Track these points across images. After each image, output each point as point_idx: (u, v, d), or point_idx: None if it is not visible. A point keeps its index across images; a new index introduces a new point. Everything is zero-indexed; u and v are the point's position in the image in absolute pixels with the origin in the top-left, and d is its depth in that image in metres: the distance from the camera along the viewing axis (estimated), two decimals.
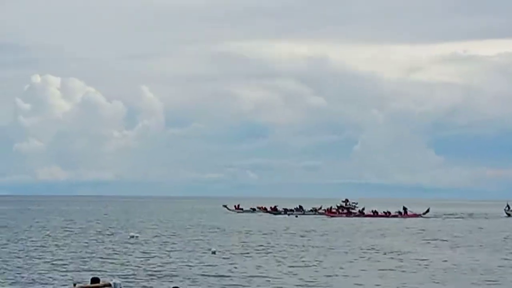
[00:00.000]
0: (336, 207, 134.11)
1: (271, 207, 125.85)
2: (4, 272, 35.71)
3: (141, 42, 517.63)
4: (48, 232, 67.52)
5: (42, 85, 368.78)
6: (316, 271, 37.52)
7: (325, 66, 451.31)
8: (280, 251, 48.88)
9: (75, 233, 66.73)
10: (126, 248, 50.88)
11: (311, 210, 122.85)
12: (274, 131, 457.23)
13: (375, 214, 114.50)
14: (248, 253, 47.74)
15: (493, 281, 34.70)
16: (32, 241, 56.60)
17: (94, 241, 56.84)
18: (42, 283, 31.47)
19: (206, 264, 40.35)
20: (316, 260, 43.04)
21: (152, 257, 43.99)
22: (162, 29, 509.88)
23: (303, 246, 53.93)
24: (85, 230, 72.51)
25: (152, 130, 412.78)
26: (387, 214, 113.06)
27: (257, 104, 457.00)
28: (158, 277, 34.07)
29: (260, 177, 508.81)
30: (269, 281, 33.49)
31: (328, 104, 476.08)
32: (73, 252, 47.31)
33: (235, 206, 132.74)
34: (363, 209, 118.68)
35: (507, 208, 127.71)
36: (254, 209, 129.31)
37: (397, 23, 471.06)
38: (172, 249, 49.97)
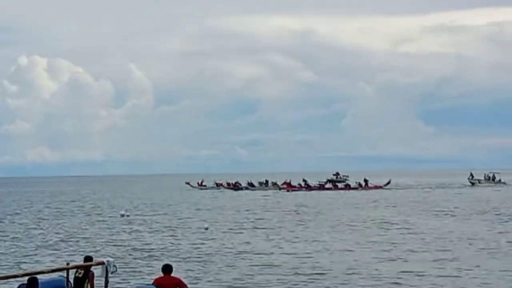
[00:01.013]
0: (328, 180, 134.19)
1: (232, 183, 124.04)
2: None
3: (129, 20, 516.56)
4: (38, 214, 67.25)
5: (29, 66, 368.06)
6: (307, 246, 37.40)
7: (314, 40, 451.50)
8: (270, 228, 48.64)
9: (65, 214, 66.45)
10: (117, 226, 50.66)
11: (273, 185, 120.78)
12: (265, 106, 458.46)
13: (335, 187, 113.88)
14: (241, 229, 47.56)
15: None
16: (21, 223, 56.25)
17: (85, 221, 56.59)
18: (32, 264, 31.12)
19: (199, 240, 40.17)
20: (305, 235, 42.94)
21: (143, 235, 43.80)
22: (150, 6, 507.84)
23: (294, 221, 53.82)
24: (75, 210, 72.25)
25: (142, 109, 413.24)
26: (347, 187, 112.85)
27: (248, 79, 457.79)
28: (150, 255, 33.84)
29: (253, 153, 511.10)
30: (260, 256, 33.26)
31: (317, 78, 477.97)
32: (64, 232, 47.05)
33: (198, 183, 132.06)
34: (327, 182, 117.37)
35: (470, 177, 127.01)
36: (218, 185, 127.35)
37: None
38: (164, 227, 49.78)
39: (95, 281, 16.65)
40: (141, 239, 41.42)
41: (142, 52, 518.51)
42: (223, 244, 37.91)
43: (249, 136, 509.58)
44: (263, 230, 45.79)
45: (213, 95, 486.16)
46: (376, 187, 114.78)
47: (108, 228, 49.41)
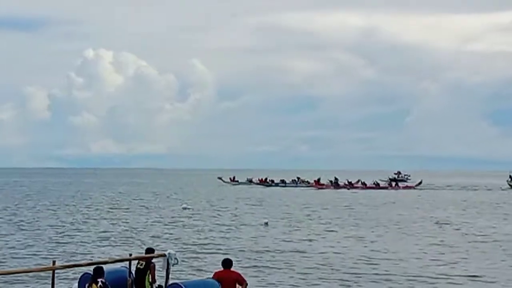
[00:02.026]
0: (389, 178, 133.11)
1: (262, 179, 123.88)
2: (55, 245, 36.18)
3: (193, 15, 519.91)
4: (100, 205, 68.50)
5: (95, 59, 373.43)
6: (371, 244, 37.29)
7: (377, 37, 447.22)
8: (329, 225, 48.59)
9: (127, 206, 67.47)
10: (179, 219, 51.25)
11: (303, 182, 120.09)
12: (327, 103, 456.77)
13: (364, 185, 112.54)
14: (300, 226, 47.62)
15: None
16: (83, 213, 57.35)
17: (147, 214, 57.35)
18: (94, 254, 31.75)
19: (259, 236, 40.41)
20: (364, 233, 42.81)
21: (203, 229, 44.21)
22: (214, 1, 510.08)
23: (348, 218, 53.61)
24: (137, 202, 73.27)
25: (204, 103, 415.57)
26: (377, 186, 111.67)
27: (309, 76, 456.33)
28: (210, 249, 34.17)
29: (313, 150, 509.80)
30: (318, 254, 33.31)
31: (380, 76, 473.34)
32: (126, 224, 47.83)
33: (230, 178, 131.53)
34: (358, 181, 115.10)
35: (509, 179, 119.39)
36: (250, 181, 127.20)
37: None
38: (223, 221, 50.17)
39: (156, 273, 17.01)
40: (201, 233, 41.84)
41: (205, 46, 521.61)
42: (283, 240, 37.97)
43: (309, 132, 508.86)
44: (322, 227, 45.76)
45: (275, 91, 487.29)
46: (407, 187, 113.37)
47: (170, 221, 50.01)
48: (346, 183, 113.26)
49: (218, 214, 56.16)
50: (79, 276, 17.27)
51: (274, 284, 25.29)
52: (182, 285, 15.65)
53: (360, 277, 26.69)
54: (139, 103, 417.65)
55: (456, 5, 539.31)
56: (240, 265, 27.82)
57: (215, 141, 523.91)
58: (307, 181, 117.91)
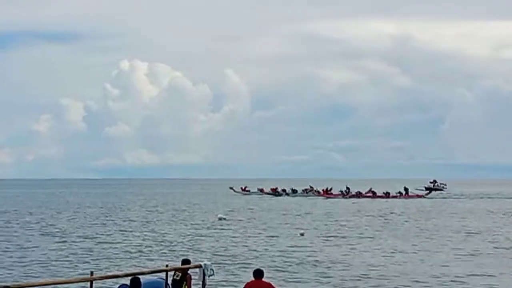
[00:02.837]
0: (425, 187, 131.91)
1: (272, 189, 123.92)
2: (92, 256, 36.48)
3: (226, 25, 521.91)
4: (135, 215, 68.95)
5: (130, 70, 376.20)
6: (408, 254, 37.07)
7: (411, 45, 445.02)
8: (362, 236, 48.37)
9: (164, 216, 67.79)
10: (215, 230, 51.36)
11: (309, 192, 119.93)
12: (360, 112, 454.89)
13: (374, 195, 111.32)
14: (335, 237, 47.44)
15: None
16: (119, 224, 57.75)
17: (183, 224, 57.55)
18: (131, 265, 31.96)
19: (295, 246, 40.36)
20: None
21: (239, 239, 44.25)
22: (246, 11, 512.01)
23: (385, 229, 53.31)
24: (174, 213, 73.59)
25: (238, 113, 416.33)
26: (386, 195, 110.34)
27: (343, 85, 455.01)
28: (245, 259, 34.19)
29: (347, 159, 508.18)
30: (353, 266, 33.18)
31: (414, 83, 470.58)
32: (163, 235, 48.05)
33: (241, 188, 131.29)
34: (370, 190, 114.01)
35: None
36: (261, 190, 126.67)
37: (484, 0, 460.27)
38: (258, 231, 50.16)
39: (192, 284, 17.11)
40: (237, 243, 41.87)
41: (238, 56, 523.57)
42: (319, 251, 37.79)
43: (343, 141, 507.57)
44: (357, 238, 45.57)
45: (308, 100, 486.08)
46: (418, 196, 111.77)
47: (206, 231, 50.13)
48: (354, 193, 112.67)
49: (254, 225, 56.14)
50: (116, 286, 17.42)
51: None
52: None
53: None
54: (174, 113, 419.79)
55: (490, 12, 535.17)
56: (276, 276, 27.85)
57: (249, 151, 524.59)
58: (317, 191, 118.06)
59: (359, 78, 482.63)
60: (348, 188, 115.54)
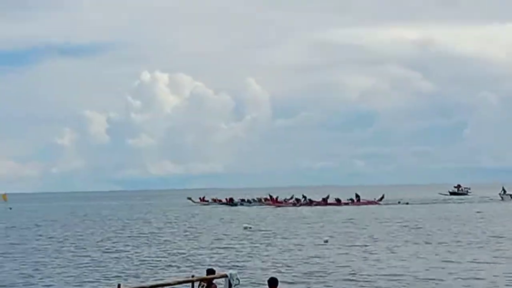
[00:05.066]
0: (449, 192, 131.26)
1: (226, 199, 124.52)
2: (119, 268, 36.79)
3: (246, 34, 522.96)
4: (160, 226, 69.34)
5: (151, 81, 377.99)
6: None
7: (432, 50, 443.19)
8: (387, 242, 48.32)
9: (189, 226, 68.08)
10: (240, 239, 51.50)
11: (256, 200, 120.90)
12: (382, 118, 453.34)
13: (325, 202, 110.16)
14: (359, 244, 47.45)
15: None
16: (145, 234, 58.09)
17: (209, 234, 57.74)
18: (157, 276, 32.17)
19: (322, 253, 40.46)
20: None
21: (265, 248, 44.37)
22: (267, 19, 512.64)
23: (392, 234, 53.16)
24: (198, 222, 73.86)
25: (260, 121, 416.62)
26: (338, 202, 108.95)
27: (364, 91, 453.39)
28: (272, 268, 34.29)
29: (370, 165, 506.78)
30: (377, 275, 33.21)
31: (436, 88, 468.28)
32: (187, 244, 48.31)
33: (200, 198, 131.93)
34: (328, 197, 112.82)
35: (502, 192, 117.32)
36: (214, 200, 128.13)
37: (505, 2, 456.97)
38: (285, 240, 50.25)
39: None
40: (263, 252, 42.01)
41: (259, 65, 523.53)
42: (343, 259, 37.82)
43: (366, 148, 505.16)
44: (382, 245, 45.54)
45: (330, 107, 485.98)
46: (369, 202, 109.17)
47: (231, 241, 50.30)
48: (309, 200, 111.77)
49: (279, 233, 56.20)
50: None
51: None
52: None
53: None
54: (196, 123, 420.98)
55: None
56: (301, 284, 28.01)
57: (271, 159, 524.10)
58: (267, 199, 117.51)
59: (380, 84, 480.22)
60: (304, 196, 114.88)
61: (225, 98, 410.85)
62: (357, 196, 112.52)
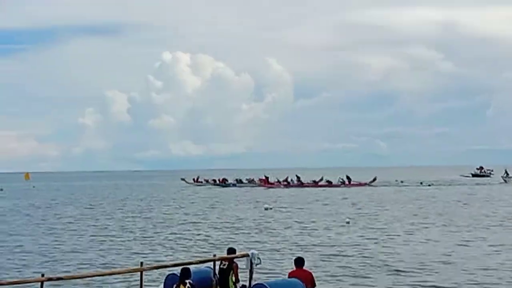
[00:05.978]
0: (471, 174, 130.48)
1: (219, 179, 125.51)
2: (140, 247, 37.06)
3: (267, 14, 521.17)
4: (181, 205, 69.68)
5: (172, 62, 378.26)
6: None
7: (455, 30, 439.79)
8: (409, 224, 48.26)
9: (210, 206, 68.33)
10: (260, 219, 51.66)
11: (248, 181, 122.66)
12: (404, 99, 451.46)
13: (316, 184, 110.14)
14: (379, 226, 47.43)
15: None
16: (167, 214, 58.39)
17: (230, 214, 57.95)
18: (179, 256, 32.35)
19: (343, 234, 40.53)
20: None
21: (286, 228, 44.48)
22: (288, 0, 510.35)
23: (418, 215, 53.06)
24: (220, 203, 74.08)
25: (281, 102, 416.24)
26: (329, 184, 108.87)
27: (386, 72, 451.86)
28: (292, 249, 34.38)
29: (391, 146, 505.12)
30: (399, 256, 33.21)
31: (458, 69, 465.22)
32: (209, 224, 48.55)
33: (193, 179, 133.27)
34: (318, 180, 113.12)
35: (505, 175, 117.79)
36: (207, 181, 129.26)
37: None
38: (303, 220, 50.33)
39: (238, 272, 17.39)
40: (283, 232, 42.09)
41: (280, 45, 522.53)
42: (364, 241, 37.74)
43: (387, 129, 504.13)
44: (404, 226, 45.50)
45: (351, 88, 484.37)
46: (360, 184, 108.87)
47: (252, 222, 50.40)
48: (299, 182, 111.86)
49: (299, 214, 56.30)
50: (165, 276, 17.76)
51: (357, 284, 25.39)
52: (266, 285, 15.59)
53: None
54: (217, 104, 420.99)
55: None
56: (323, 265, 28.08)
57: (293, 139, 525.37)
58: (253, 180, 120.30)
59: (403, 65, 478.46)
60: (298, 177, 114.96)
61: (246, 78, 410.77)
62: (348, 178, 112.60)
